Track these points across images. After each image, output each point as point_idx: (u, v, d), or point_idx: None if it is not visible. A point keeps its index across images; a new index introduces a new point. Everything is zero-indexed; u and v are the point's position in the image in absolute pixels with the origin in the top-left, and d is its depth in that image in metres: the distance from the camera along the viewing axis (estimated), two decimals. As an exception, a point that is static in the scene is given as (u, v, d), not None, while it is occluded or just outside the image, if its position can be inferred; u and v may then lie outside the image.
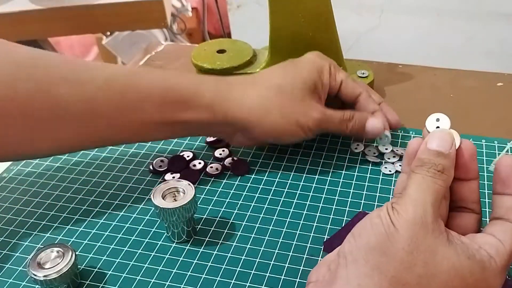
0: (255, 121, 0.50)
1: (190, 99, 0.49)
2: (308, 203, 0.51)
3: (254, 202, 0.51)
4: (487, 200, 0.50)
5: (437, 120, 0.39)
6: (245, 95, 0.50)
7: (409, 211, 0.33)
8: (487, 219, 0.48)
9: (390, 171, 0.54)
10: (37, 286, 0.42)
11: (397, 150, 0.56)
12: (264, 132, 0.51)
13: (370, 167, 0.55)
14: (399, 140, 0.58)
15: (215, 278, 0.44)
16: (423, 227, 0.32)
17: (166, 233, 0.48)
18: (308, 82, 0.52)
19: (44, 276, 0.40)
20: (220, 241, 0.47)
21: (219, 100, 0.50)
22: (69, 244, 0.43)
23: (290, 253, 0.46)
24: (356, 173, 0.54)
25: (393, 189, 0.52)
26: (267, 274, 0.44)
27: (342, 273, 0.33)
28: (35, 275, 0.41)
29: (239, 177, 0.54)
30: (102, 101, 0.46)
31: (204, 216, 0.50)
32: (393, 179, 0.53)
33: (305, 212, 0.50)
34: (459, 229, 0.36)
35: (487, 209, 0.49)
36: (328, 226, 0.48)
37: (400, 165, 0.54)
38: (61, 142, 0.48)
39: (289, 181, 0.53)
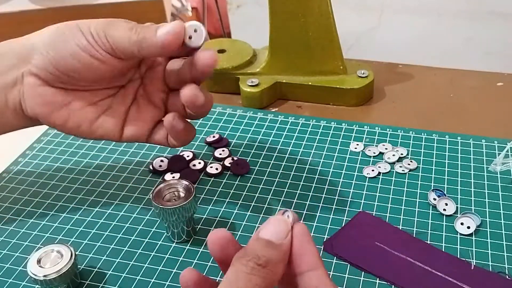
0: (34, 51, 0.43)
1: None
2: (308, 203, 0.51)
3: (254, 202, 0.51)
4: (487, 200, 0.50)
5: (195, 31, 0.39)
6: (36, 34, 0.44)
7: None
8: (487, 219, 0.48)
9: (390, 171, 0.54)
10: (37, 286, 0.42)
11: (397, 150, 0.56)
12: (53, 55, 0.43)
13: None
14: (399, 140, 0.58)
15: (215, 278, 0.44)
16: None
17: (166, 233, 0.48)
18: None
19: (44, 276, 0.40)
20: (220, 241, 0.47)
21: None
22: (69, 244, 0.43)
23: (290, 253, 0.46)
24: (356, 173, 0.54)
25: (393, 189, 0.52)
26: (267, 274, 0.44)
27: None
28: (35, 275, 0.40)
29: (239, 177, 0.54)
30: None
31: (204, 216, 0.50)
32: (393, 178, 0.53)
33: (305, 212, 0.50)
34: None
35: (487, 209, 0.49)
36: (328, 226, 0.48)
37: (400, 166, 0.54)
38: None
39: (289, 181, 0.53)
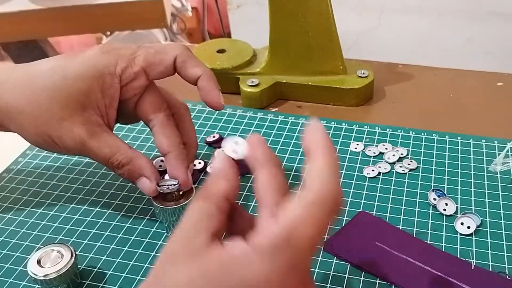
0: (7, 119, 0.44)
1: None
2: (308, 203, 0.51)
3: (254, 202, 0.51)
4: (487, 200, 0.50)
5: (236, 143, 0.36)
6: (7, 86, 0.44)
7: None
8: (487, 219, 0.48)
9: (390, 171, 0.54)
10: (37, 286, 0.42)
11: (397, 150, 0.56)
12: (21, 133, 0.45)
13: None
14: (399, 140, 0.58)
15: (215, 278, 0.44)
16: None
17: (166, 233, 0.48)
18: (71, 93, 0.42)
19: (44, 275, 0.40)
20: (220, 241, 0.47)
21: None
22: (69, 244, 0.43)
23: (290, 253, 0.46)
24: (356, 173, 0.54)
25: (393, 189, 0.52)
26: (267, 274, 0.44)
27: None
28: (35, 275, 0.40)
29: (239, 177, 0.54)
30: None
31: (204, 216, 0.50)
32: (393, 178, 0.53)
33: (305, 212, 0.50)
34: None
35: (487, 209, 0.49)
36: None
37: (400, 166, 0.54)
38: None
39: (289, 181, 0.53)
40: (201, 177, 0.54)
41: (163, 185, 0.44)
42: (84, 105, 0.43)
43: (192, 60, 0.45)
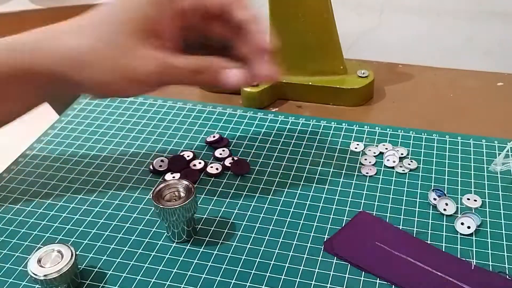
0: (70, 74, 0.42)
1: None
2: (308, 203, 0.51)
3: (254, 202, 0.51)
4: (487, 200, 0.50)
5: None
6: (61, 44, 0.43)
7: None
8: (487, 219, 0.48)
9: (390, 171, 0.54)
10: (37, 286, 0.42)
11: (398, 150, 0.56)
12: (86, 87, 0.44)
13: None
14: (399, 140, 0.58)
15: (215, 278, 0.44)
16: None
17: (166, 233, 0.48)
18: (136, 22, 0.42)
19: (44, 275, 0.40)
20: (220, 241, 0.47)
21: (28, 49, 0.43)
22: (69, 244, 0.43)
23: (290, 253, 0.46)
24: (356, 173, 0.54)
25: (393, 188, 0.52)
26: (267, 274, 0.44)
27: None
28: (36, 275, 0.40)
29: (239, 177, 0.54)
30: None
31: (204, 216, 0.50)
32: (393, 178, 0.53)
33: (305, 212, 0.50)
34: None
35: (487, 209, 0.49)
36: (328, 226, 0.48)
37: (400, 166, 0.54)
38: None
39: (289, 181, 0.53)
40: (201, 177, 0.54)
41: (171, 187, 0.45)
42: (150, 33, 0.42)
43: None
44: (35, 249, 0.46)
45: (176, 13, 0.43)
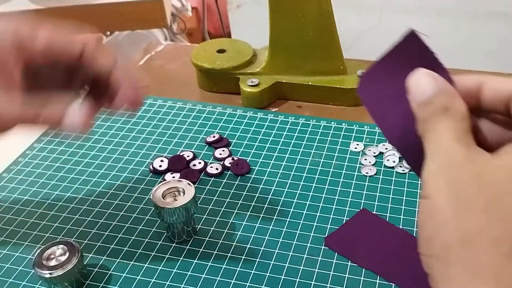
0: None
1: None
2: (308, 203, 0.51)
3: (254, 202, 0.51)
4: (487, 200, 0.50)
5: None
6: None
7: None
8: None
9: (390, 171, 0.54)
10: (37, 285, 0.42)
11: (397, 150, 0.56)
12: None
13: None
14: (399, 140, 0.58)
15: (215, 278, 0.44)
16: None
17: (166, 233, 0.48)
18: None
19: (50, 273, 0.41)
20: (220, 241, 0.47)
21: None
22: (69, 244, 0.43)
23: (290, 253, 0.46)
24: (356, 173, 0.54)
25: (393, 188, 0.52)
26: (267, 274, 0.44)
27: None
28: (41, 272, 0.41)
29: (239, 177, 0.54)
30: None
31: (204, 216, 0.50)
32: (393, 178, 0.53)
33: (305, 212, 0.50)
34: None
35: (487, 209, 0.49)
36: (328, 226, 0.48)
37: (400, 166, 0.54)
38: None
39: (289, 181, 0.53)
40: (201, 177, 0.54)
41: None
42: None
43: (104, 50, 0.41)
44: (36, 248, 0.46)
45: (22, 58, 0.40)
